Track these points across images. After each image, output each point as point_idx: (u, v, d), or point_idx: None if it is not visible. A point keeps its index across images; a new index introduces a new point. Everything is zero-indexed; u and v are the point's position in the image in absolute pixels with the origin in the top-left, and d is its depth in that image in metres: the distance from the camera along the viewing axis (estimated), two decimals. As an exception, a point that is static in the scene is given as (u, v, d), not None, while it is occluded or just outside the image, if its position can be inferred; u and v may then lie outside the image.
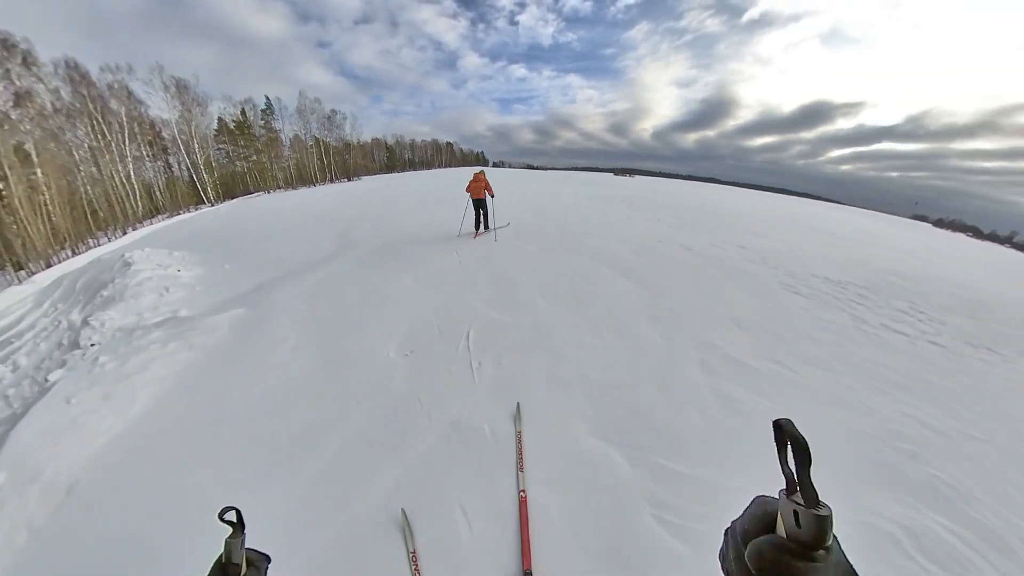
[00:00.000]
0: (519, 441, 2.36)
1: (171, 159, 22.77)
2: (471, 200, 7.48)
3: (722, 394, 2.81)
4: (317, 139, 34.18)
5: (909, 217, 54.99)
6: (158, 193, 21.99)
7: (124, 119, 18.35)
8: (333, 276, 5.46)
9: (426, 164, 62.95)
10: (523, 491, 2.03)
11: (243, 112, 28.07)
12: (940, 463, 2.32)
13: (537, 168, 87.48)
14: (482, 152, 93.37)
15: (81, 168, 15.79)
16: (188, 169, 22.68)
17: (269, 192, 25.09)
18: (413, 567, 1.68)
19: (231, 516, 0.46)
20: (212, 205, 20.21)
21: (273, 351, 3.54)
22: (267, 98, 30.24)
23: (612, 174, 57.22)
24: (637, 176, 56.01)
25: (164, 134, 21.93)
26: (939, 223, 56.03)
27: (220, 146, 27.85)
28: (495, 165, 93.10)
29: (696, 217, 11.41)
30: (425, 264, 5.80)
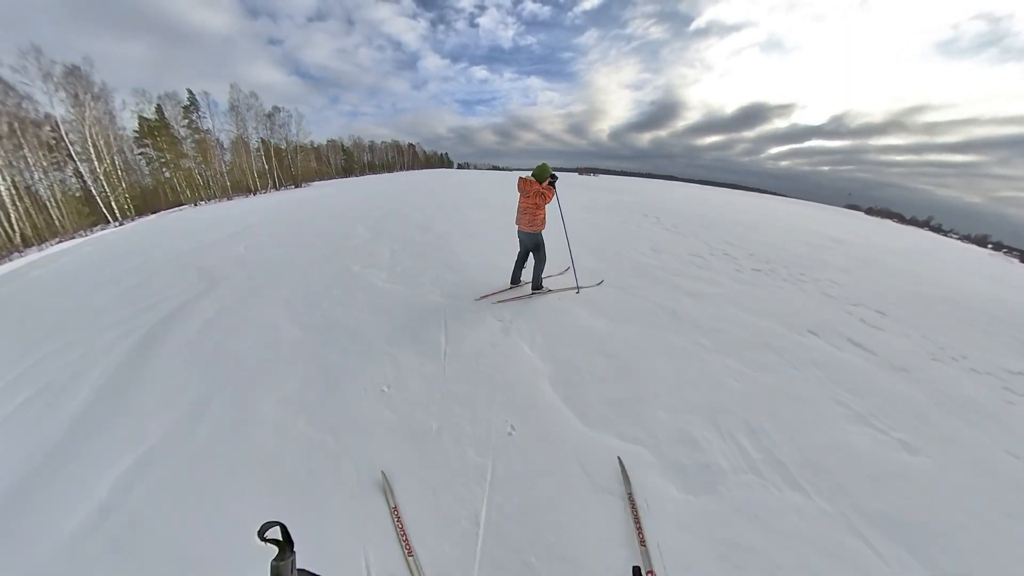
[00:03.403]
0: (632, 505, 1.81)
1: (83, 167, 18.55)
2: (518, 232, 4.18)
3: None
4: (264, 142, 30.05)
5: (844, 207, 59.23)
6: (55, 210, 17.81)
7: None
8: None
9: (387, 167, 59.03)
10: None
11: (159, 109, 23.64)
12: None
13: (503, 169, 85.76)
14: (446, 154, 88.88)
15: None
16: (89, 180, 18.47)
17: (196, 205, 21.15)
18: (396, 522, 1.72)
19: (274, 533, 0.38)
20: (119, 224, 16.30)
21: None
22: (190, 92, 25.78)
23: (576, 173, 56.64)
24: (600, 175, 55.93)
25: (71, 136, 17.76)
26: (869, 211, 60.22)
27: (141, 151, 23.39)
28: (460, 166, 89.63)
29: (742, 238, 9.47)
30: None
